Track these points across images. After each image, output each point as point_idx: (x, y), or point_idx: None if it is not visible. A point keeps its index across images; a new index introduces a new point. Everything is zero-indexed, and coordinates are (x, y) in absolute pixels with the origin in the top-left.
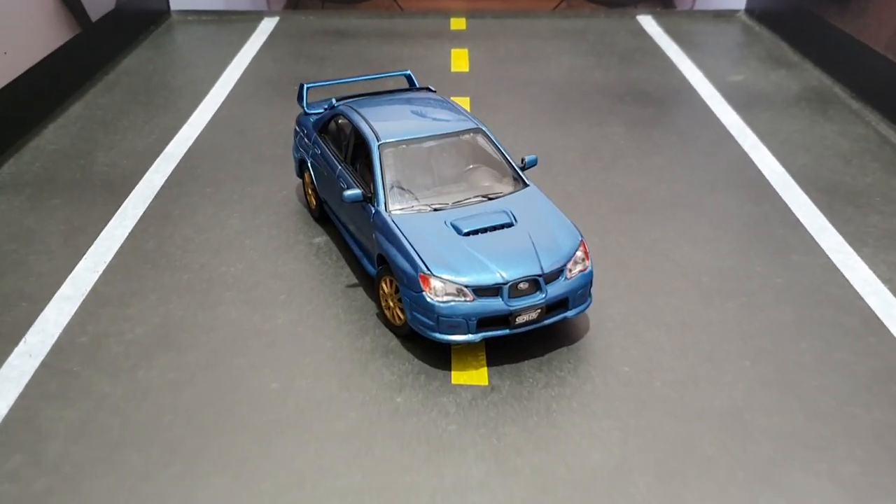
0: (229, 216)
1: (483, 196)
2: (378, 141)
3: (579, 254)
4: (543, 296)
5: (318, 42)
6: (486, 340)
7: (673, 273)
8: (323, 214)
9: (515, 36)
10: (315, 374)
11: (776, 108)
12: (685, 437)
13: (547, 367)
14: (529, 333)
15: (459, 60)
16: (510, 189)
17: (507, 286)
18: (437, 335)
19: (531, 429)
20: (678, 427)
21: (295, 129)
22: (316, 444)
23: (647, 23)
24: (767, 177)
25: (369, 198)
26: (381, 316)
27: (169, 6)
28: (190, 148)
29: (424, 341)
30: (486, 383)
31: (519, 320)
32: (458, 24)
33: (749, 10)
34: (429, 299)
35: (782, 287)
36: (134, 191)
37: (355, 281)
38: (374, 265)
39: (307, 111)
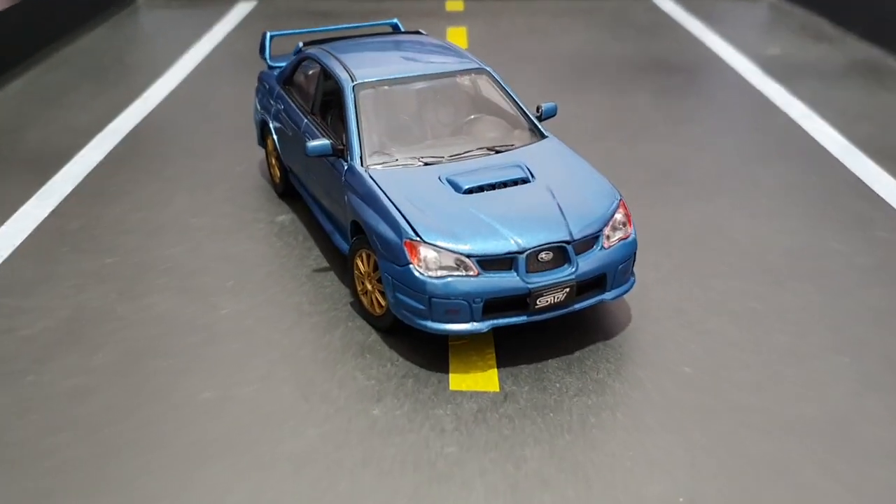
0: (175, 193)
1: (489, 149)
2: (353, 81)
3: (619, 216)
4: (573, 270)
5: (298, 24)
6: (496, 332)
7: (730, 251)
8: (289, 189)
9: (519, 14)
10: (263, 379)
11: (824, 79)
12: (774, 456)
13: (579, 368)
14: (554, 323)
15: (456, 39)
16: (524, 141)
17: (524, 256)
18: (430, 324)
19: (562, 451)
20: (763, 443)
21: (257, 88)
22: (258, 473)
23: (664, 2)
24: (826, 146)
25: (340, 150)
26: (357, 304)
27: None
28: (139, 123)
29: (413, 335)
30: (497, 389)
31: (540, 303)
32: (454, 5)
33: None
34: (418, 274)
35: (869, 267)
36: (65, 168)
37: (326, 264)
38: (348, 239)
39: (270, 64)
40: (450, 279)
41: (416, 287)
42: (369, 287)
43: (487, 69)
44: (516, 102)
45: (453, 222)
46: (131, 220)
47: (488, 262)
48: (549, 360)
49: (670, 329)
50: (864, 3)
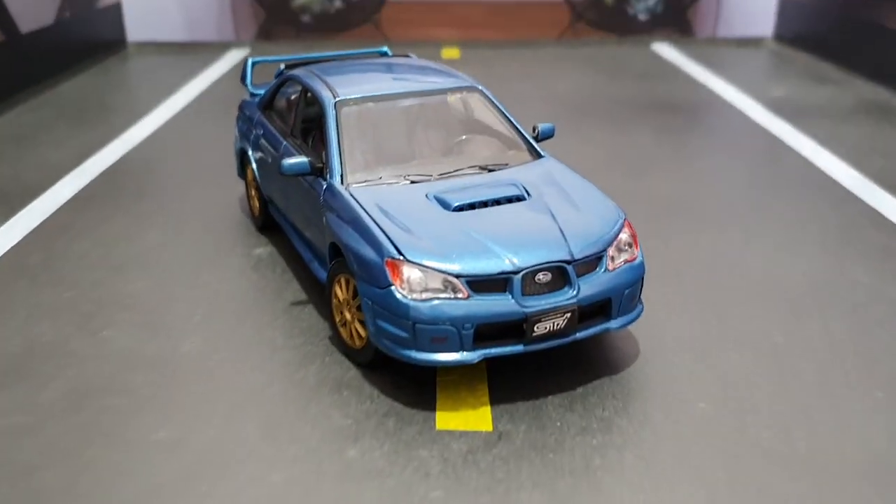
0: (146, 229)
1: (481, 168)
2: (335, 98)
3: (624, 236)
4: (574, 293)
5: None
6: (489, 365)
7: (747, 284)
8: (269, 223)
9: (514, 61)
10: (226, 419)
11: (833, 117)
12: (811, 501)
13: (582, 406)
14: (554, 354)
15: None
16: (520, 160)
17: (519, 277)
18: (414, 354)
19: (563, 496)
20: (799, 488)
21: (237, 117)
22: None
23: (665, 50)
24: (840, 180)
25: (319, 169)
26: (336, 338)
27: (125, 36)
28: (115, 162)
29: (396, 370)
30: (490, 429)
31: (538, 330)
32: (450, 52)
33: (779, 36)
34: (400, 297)
35: None
36: (32, 203)
37: (304, 297)
38: (327, 267)
39: (252, 92)
40: (436, 302)
41: (399, 312)
42: (348, 317)
43: (480, 87)
44: (511, 122)
45: (440, 240)
46: (96, 255)
47: (480, 284)
48: (549, 397)
49: (684, 364)
50: (869, 44)
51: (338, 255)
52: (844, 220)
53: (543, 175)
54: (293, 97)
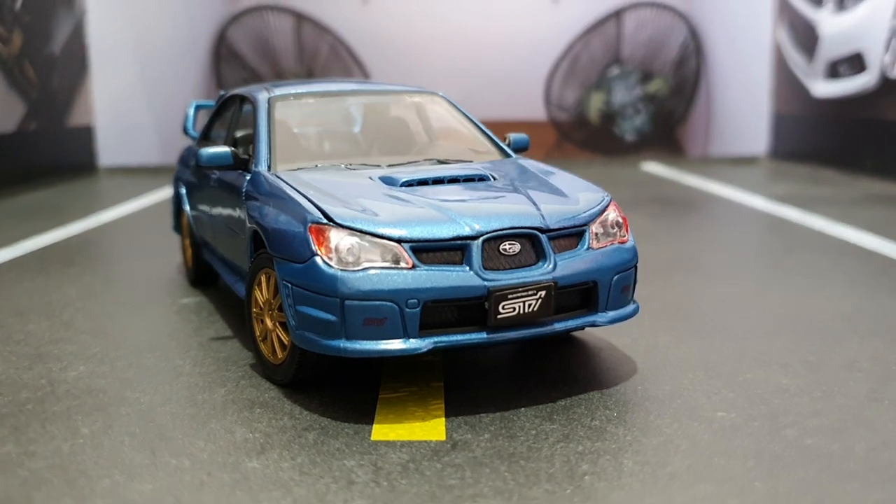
0: (66, 286)
1: (440, 161)
2: (269, 94)
3: (611, 215)
4: (550, 267)
5: None
6: (448, 381)
7: (768, 316)
8: (203, 275)
9: None
10: (96, 434)
11: (842, 204)
12: None
13: (564, 416)
14: (528, 365)
15: None
16: (486, 158)
17: (478, 243)
18: (343, 344)
19: (548, 500)
20: (861, 492)
21: (176, 169)
22: None
23: (655, 168)
24: (859, 243)
25: (244, 162)
26: (258, 362)
27: (96, 159)
28: (52, 243)
29: (326, 387)
30: (442, 437)
31: (505, 311)
32: None
33: (774, 152)
34: (325, 268)
35: None
36: None
37: (227, 333)
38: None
39: (192, 136)
40: (371, 272)
41: (324, 287)
42: (269, 324)
43: (441, 94)
44: (477, 126)
45: (381, 204)
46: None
47: (429, 252)
48: (521, 409)
49: (696, 380)
50: (871, 140)
51: (259, 248)
52: (868, 269)
53: (515, 166)
54: (229, 115)
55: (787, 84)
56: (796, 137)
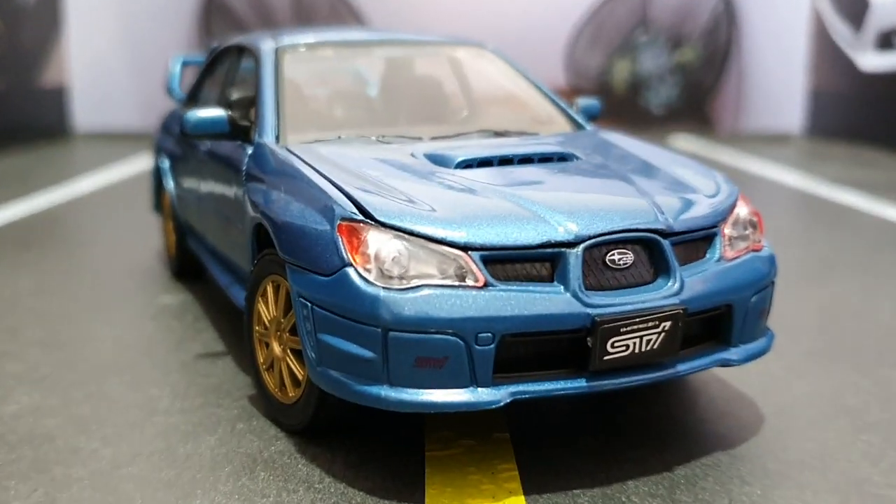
0: (19, 275)
1: (497, 133)
2: (276, 45)
3: (743, 212)
4: (676, 287)
5: None
6: (519, 425)
7: (893, 334)
8: (187, 266)
9: None
10: None
11: None
12: None
13: (690, 494)
14: (621, 414)
15: None
16: (556, 129)
17: (578, 253)
18: (385, 392)
19: None
20: None
21: (156, 140)
22: None
23: (686, 143)
24: None
25: (244, 130)
26: (259, 394)
27: (70, 125)
28: (14, 220)
29: (353, 438)
30: None
31: (613, 350)
32: None
33: (811, 130)
34: (362, 284)
35: None
36: None
37: (219, 348)
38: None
39: (178, 98)
40: (426, 292)
41: (359, 310)
42: (277, 350)
43: (489, 47)
44: (538, 87)
45: (436, 199)
46: None
47: (507, 265)
48: (628, 482)
49: (844, 432)
50: None
51: (264, 247)
52: None
53: (597, 141)
54: (223, 72)
55: (828, 56)
56: (837, 114)
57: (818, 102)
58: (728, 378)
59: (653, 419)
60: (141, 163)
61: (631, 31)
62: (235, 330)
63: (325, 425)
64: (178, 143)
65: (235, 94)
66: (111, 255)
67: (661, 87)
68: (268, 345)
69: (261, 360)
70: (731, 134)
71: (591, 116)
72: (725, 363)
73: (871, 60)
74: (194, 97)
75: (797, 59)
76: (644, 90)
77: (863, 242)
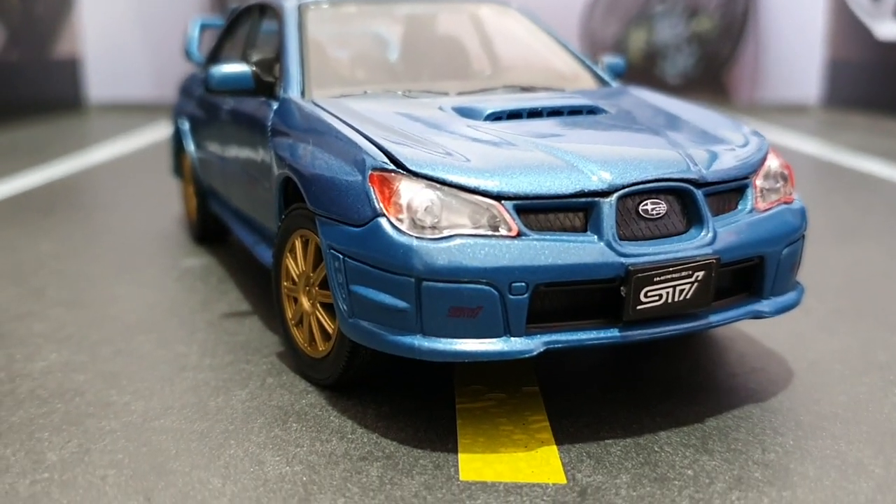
0: (40, 240)
1: (524, 89)
2: (299, 0)
3: (774, 165)
4: (710, 237)
5: None
6: (542, 376)
7: None
8: (210, 230)
9: None
10: (67, 463)
11: None
12: None
13: (723, 444)
14: (652, 367)
15: None
16: (582, 85)
17: (612, 202)
18: (419, 342)
19: None
20: None
21: (176, 104)
22: None
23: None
24: None
25: (269, 85)
26: (289, 350)
27: (84, 96)
28: (36, 187)
29: (384, 392)
30: (563, 480)
31: (646, 300)
32: None
33: (829, 100)
34: (394, 234)
35: None
36: None
37: (246, 307)
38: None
39: (196, 61)
40: (459, 241)
41: (392, 260)
42: (306, 305)
43: (513, 5)
44: (564, 45)
45: (468, 147)
46: None
47: (541, 214)
48: (660, 433)
49: (876, 387)
50: None
51: (292, 202)
52: None
53: (626, 96)
54: (244, 33)
55: (846, 25)
56: (854, 83)
57: (836, 72)
58: (756, 335)
59: (682, 374)
60: (155, 133)
61: (647, 1)
62: (261, 290)
63: (355, 379)
64: (199, 104)
65: (256, 56)
66: (131, 220)
67: (677, 56)
68: (296, 300)
69: (289, 315)
70: (749, 104)
71: (617, 74)
72: (757, 315)
73: (889, 29)
74: (215, 59)
75: (814, 28)
76: (660, 60)
77: (884, 207)
